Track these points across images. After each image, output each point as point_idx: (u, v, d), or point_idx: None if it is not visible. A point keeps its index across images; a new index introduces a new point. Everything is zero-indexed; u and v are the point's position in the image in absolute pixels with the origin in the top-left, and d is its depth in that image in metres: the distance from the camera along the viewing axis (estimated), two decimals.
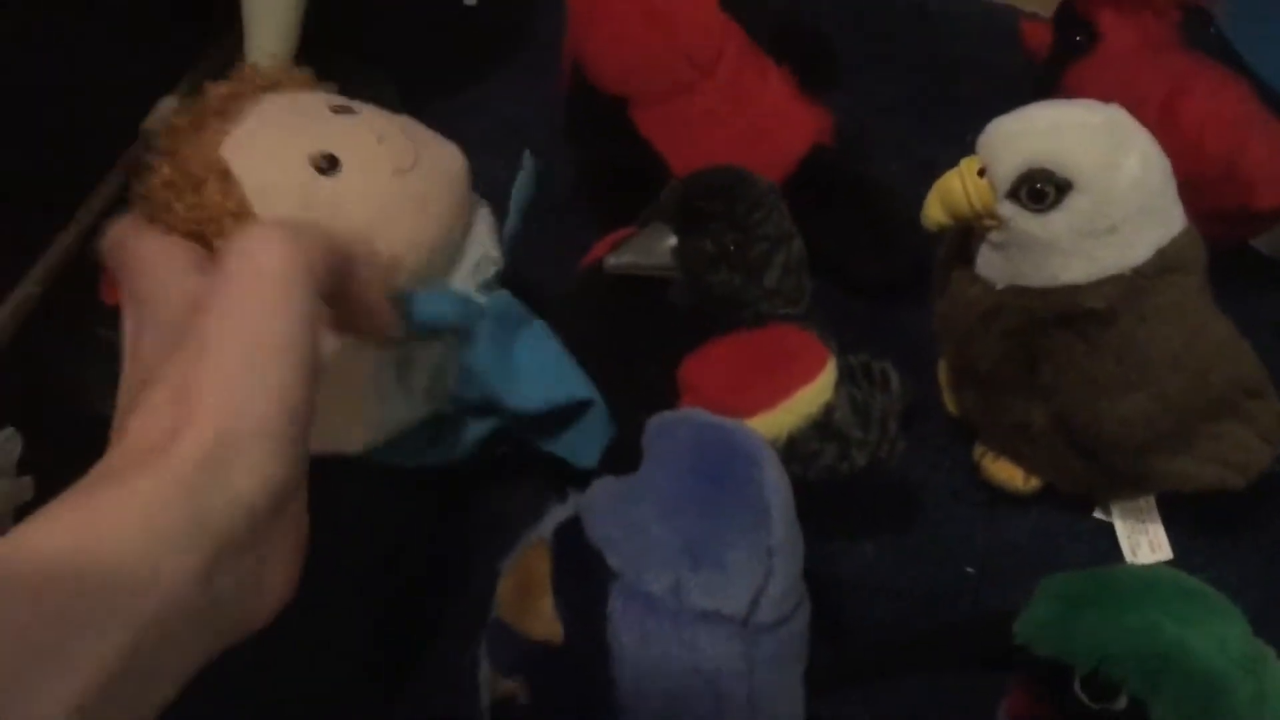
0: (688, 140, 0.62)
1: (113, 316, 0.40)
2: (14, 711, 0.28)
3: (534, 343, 0.54)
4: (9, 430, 0.54)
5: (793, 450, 0.50)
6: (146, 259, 0.39)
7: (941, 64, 0.79)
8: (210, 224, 0.45)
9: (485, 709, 0.44)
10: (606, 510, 0.42)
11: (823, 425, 0.51)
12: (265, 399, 0.35)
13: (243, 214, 0.45)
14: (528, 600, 0.42)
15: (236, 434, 0.34)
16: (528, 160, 0.56)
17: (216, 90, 0.48)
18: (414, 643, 0.54)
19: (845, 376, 0.53)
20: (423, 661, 0.53)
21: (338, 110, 0.49)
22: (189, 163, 0.45)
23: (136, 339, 0.38)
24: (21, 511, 0.52)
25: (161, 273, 0.39)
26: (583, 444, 0.55)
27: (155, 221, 0.45)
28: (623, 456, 0.44)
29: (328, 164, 0.47)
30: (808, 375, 0.51)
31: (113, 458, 0.34)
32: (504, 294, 0.54)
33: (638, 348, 0.52)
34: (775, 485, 0.41)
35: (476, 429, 0.54)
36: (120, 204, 0.57)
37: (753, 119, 0.63)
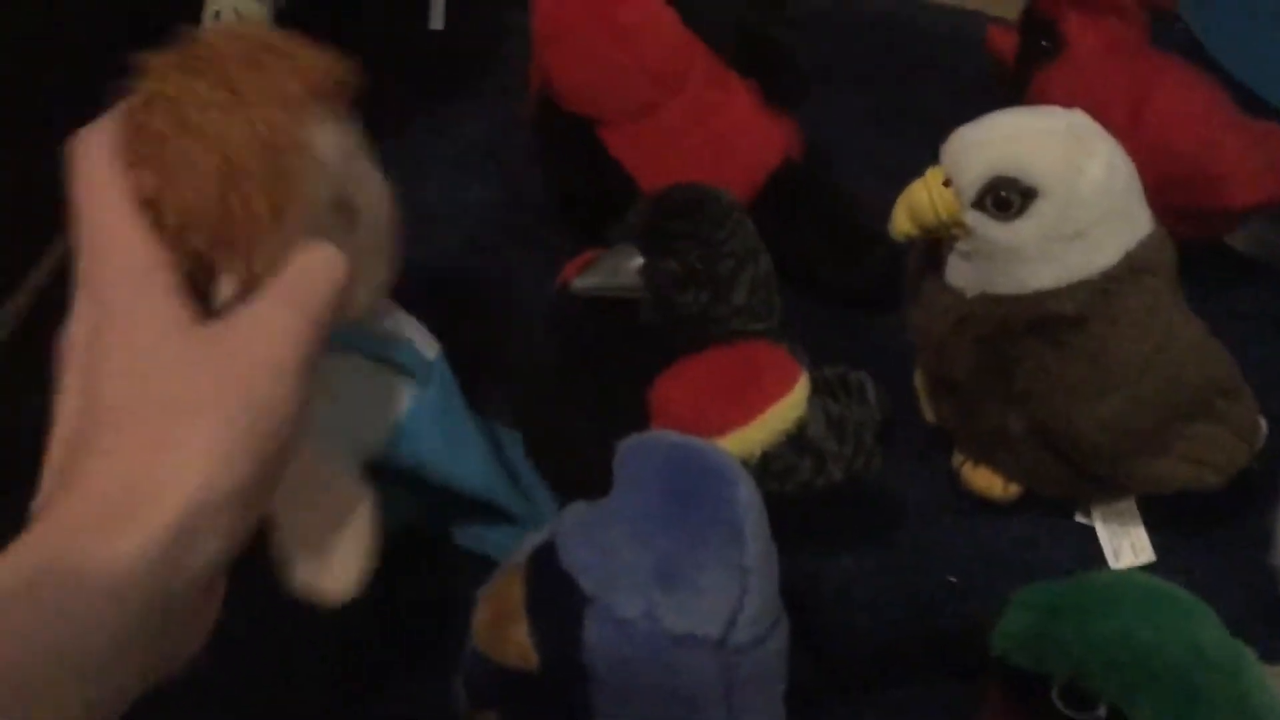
0: (656, 159, 0.62)
1: None
2: None
3: (473, 430, 0.53)
4: None
5: (767, 467, 0.50)
6: (125, 271, 0.35)
7: (908, 73, 0.79)
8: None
9: None
10: (579, 535, 0.42)
11: (797, 440, 0.50)
12: (249, 461, 0.33)
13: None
14: (502, 628, 0.42)
15: (215, 499, 0.32)
16: None
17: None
18: (398, 679, 0.53)
19: (820, 389, 0.52)
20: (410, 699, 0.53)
21: None
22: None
23: (89, 353, 0.34)
24: None
25: (140, 294, 0.34)
26: (503, 540, 0.54)
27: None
28: (596, 482, 0.43)
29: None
30: (780, 390, 0.50)
31: (71, 508, 0.32)
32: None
33: (610, 369, 0.52)
34: (747, 503, 0.41)
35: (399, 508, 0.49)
36: None
37: (721, 135, 0.63)
